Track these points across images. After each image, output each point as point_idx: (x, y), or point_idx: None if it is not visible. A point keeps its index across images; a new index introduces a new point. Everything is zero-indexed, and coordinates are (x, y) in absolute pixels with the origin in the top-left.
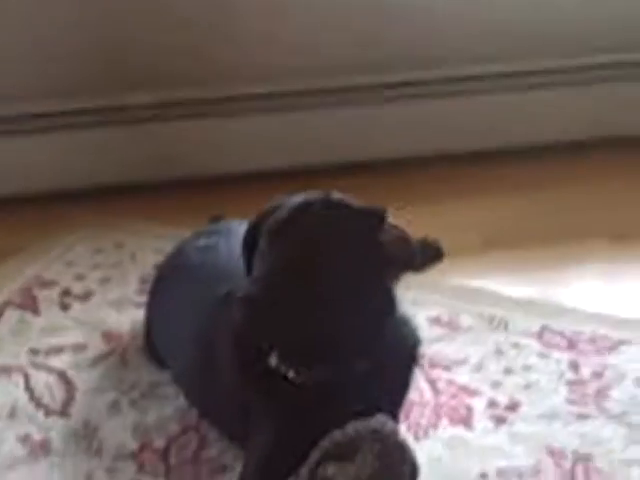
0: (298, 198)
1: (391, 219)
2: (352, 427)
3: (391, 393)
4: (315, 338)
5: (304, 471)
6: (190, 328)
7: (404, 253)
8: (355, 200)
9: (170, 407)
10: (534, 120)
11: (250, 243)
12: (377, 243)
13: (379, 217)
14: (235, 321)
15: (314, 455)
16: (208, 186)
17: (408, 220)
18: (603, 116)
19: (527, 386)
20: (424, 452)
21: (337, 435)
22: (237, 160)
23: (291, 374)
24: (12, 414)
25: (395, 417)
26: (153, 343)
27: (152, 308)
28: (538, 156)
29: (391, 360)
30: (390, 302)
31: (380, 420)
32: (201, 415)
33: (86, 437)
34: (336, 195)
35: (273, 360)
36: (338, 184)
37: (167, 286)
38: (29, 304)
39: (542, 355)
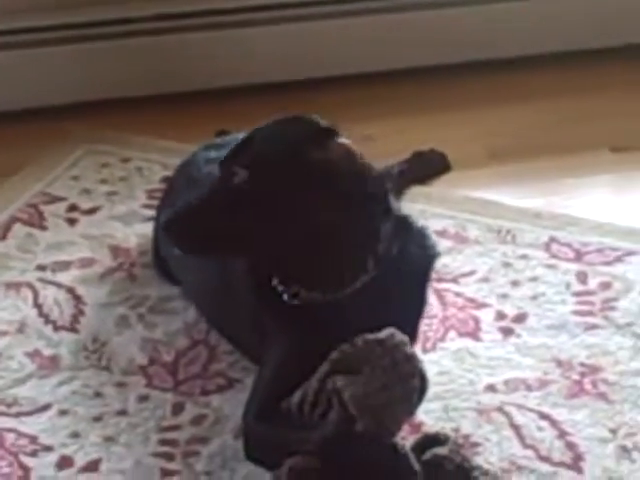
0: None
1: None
2: (361, 339)
3: (405, 309)
4: (303, 267)
5: (313, 382)
6: None
7: (352, 172)
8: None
9: (178, 321)
10: (539, 29)
11: None
12: (320, 162)
13: (321, 134)
14: None
15: (323, 367)
16: (213, 99)
17: (410, 131)
18: (607, 25)
19: (534, 297)
20: (432, 364)
21: (346, 347)
22: (242, 73)
23: (286, 296)
24: (21, 330)
25: (414, 331)
26: (162, 257)
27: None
28: (543, 66)
29: (402, 275)
30: (387, 218)
31: (389, 332)
32: (215, 328)
33: (95, 352)
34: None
35: (274, 281)
36: (343, 96)
37: (177, 198)
38: (36, 220)
39: (549, 266)
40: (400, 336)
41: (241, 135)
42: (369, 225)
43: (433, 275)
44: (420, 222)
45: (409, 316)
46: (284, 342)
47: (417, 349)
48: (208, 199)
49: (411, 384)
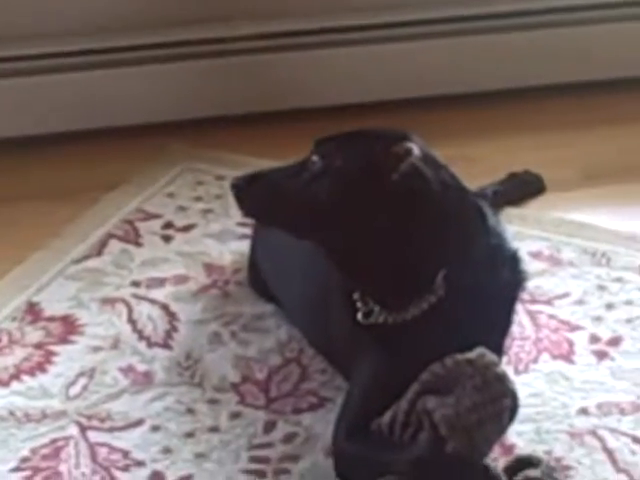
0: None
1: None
2: (451, 360)
3: (492, 329)
4: (399, 284)
5: (403, 403)
6: (302, 259)
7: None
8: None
9: (271, 339)
10: (632, 51)
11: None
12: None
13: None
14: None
15: (413, 388)
16: (309, 118)
17: (506, 152)
18: None
19: (629, 320)
20: (525, 386)
21: (436, 368)
22: (338, 92)
23: (360, 315)
24: (115, 345)
25: (498, 352)
26: (258, 274)
27: (260, 238)
28: (635, 90)
29: (493, 298)
30: (474, 236)
31: (479, 352)
32: (312, 344)
33: (188, 368)
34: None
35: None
36: (441, 116)
37: None
38: (131, 236)
39: None
40: (490, 356)
41: None
42: (435, 244)
43: (527, 297)
44: (513, 245)
45: (494, 338)
46: (374, 361)
47: (509, 371)
48: (282, 170)
49: (502, 404)
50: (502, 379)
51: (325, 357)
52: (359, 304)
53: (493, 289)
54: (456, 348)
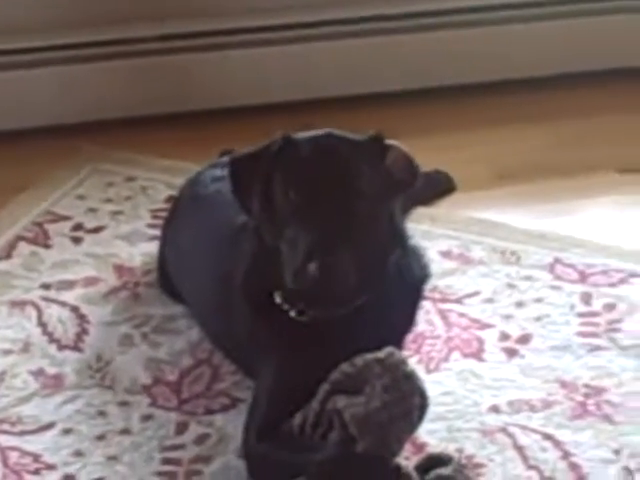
0: (308, 144)
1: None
2: (360, 359)
3: (396, 327)
4: (318, 283)
5: (314, 404)
6: (207, 259)
7: (409, 173)
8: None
9: (182, 341)
10: (546, 51)
11: (242, 182)
12: (386, 170)
13: (380, 143)
14: (243, 266)
15: (323, 388)
16: (217, 119)
17: (416, 152)
18: (614, 46)
19: (539, 318)
20: (436, 385)
21: (345, 367)
22: (243, 93)
23: (293, 313)
24: (25, 349)
25: (398, 348)
26: (167, 276)
27: (167, 239)
28: (549, 88)
29: (397, 294)
30: (396, 237)
31: (388, 351)
32: (217, 347)
33: (99, 371)
34: (337, 132)
35: (278, 298)
36: (341, 117)
37: (183, 217)
38: (41, 238)
39: (554, 287)
40: (399, 355)
41: None
42: (393, 239)
43: (438, 296)
44: (415, 241)
45: (398, 333)
46: (273, 363)
47: (420, 370)
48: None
49: (411, 402)
50: (411, 377)
51: (230, 358)
52: (285, 305)
53: (399, 288)
54: (363, 347)
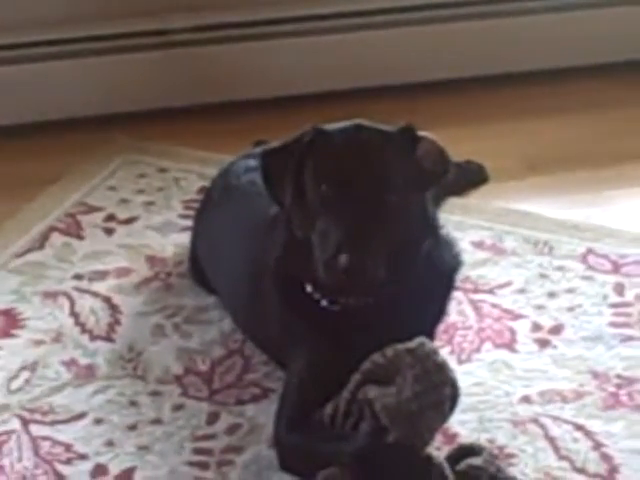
0: (338, 137)
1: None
2: (391, 349)
3: (427, 317)
4: (349, 274)
5: (345, 394)
6: (239, 250)
7: (440, 162)
8: (383, 125)
9: (214, 331)
10: (579, 41)
11: (274, 174)
12: (417, 162)
13: (412, 134)
14: (275, 257)
15: (354, 378)
16: (250, 110)
17: (449, 143)
18: None
19: (571, 309)
20: (467, 375)
21: (377, 358)
22: (276, 84)
23: (324, 302)
24: (57, 339)
25: (430, 338)
26: (199, 267)
27: (200, 230)
28: (582, 78)
29: (429, 284)
30: (427, 227)
31: (419, 342)
32: (248, 338)
33: (131, 361)
34: (366, 124)
35: (309, 288)
36: (373, 108)
37: (215, 207)
38: (73, 229)
39: (586, 278)
40: (430, 345)
41: None
42: (427, 226)
43: (470, 286)
44: (447, 231)
45: (429, 323)
46: (310, 349)
47: (452, 360)
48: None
49: (443, 392)
50: (442, 368)
51: (261, 348)
52: (316, 294)
53: (431, 278)
54: (395, 337)
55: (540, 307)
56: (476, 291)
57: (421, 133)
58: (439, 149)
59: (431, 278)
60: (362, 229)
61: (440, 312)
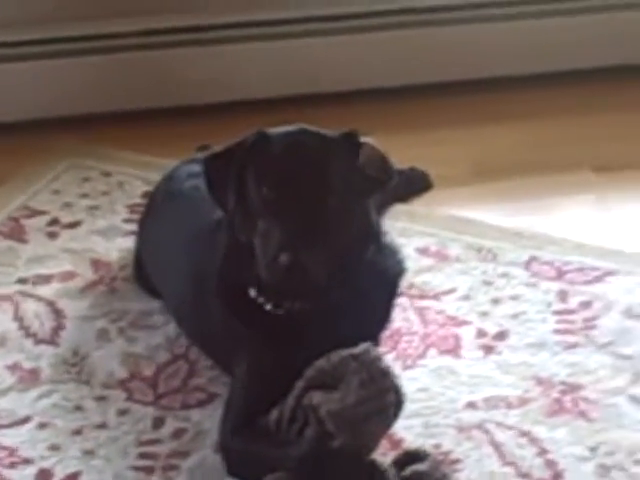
0: (282, 139)
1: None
2: (336, 355)
3: (371, 323)
4: (291, 274)
5: (289, 400)
6: (182, 255)
7: (383, 171)
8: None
9: (159, 336)
10: (525, 49)
11: (217, 178)
12: (359, 168)
13: (353, 140)
14: (218, 262)
15: (299, 384)
16: (197, 115)
17: (396, 149)
18: (593, 46)
19: (515, 316)
20: (412, 381)
21: (321, 363)
22: (222, 89)
23: (268, 306)
24: (1, 343)
25: (376, 344)
26: (143, 271)
27: (143, 235)
28: (528, 86)
29: (372, 290)
30: (370, 233)
31: (364, 347)
32: (193, 343)
33: (75, 365)
34: (309, 127)
35: (252, 292)
36: (322, 113)
37: (159, 212)
38: (16, 233)
39: (530, 285)
40: (375, 351)
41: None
42: (370, 231)
43: (415, 292)
44: (391, 237)
45: (373, 329)
46: (254, 354)
47: (396, 366)
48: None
49: (387, 398)
50: (387, 374)
51: (206, 353)
52: (260, 298)
53: (375, 283)
54: (338, 342)
55: (485, 314)
56: (421, 297)
57: (364, 139)
58: (381, 156)
59: (375, 284)
60: (303, 230)
61: (384, 318)
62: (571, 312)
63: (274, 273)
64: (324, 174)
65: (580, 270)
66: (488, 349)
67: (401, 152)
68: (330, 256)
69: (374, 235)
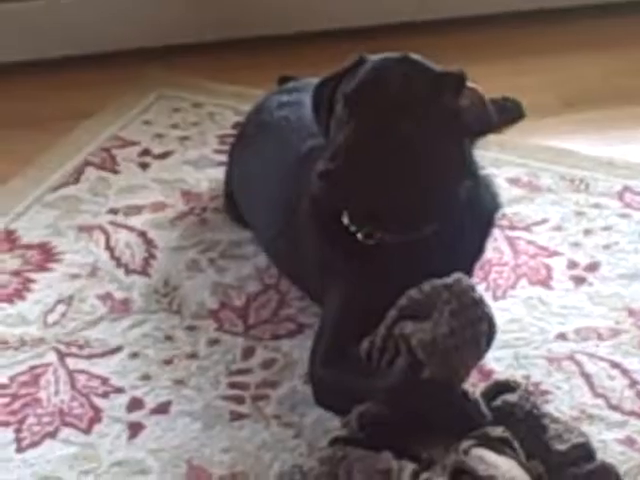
0: (376, 61)
1: (470, 81)
2: (428, 285)
3: (465, 256)
4: (387, 204)
5: (381, 329)
6: (273, 185)
7: (481, 119)
8: (432, 62)
9: (249, 266)
10: None
11: (322, 102)
12: (455, 109)
13: (458, 81)
14: (312, 190)
15: (391, 313)
16: (285, 45)
17: (482, 79)
18: None
19: (607, 246)
20: (503, 312)
21: (413, 293)
22: (309, 19)
23: (360, 235)
24: (93, 273)
25: (468, 276)
26: (233, 202)
27: (234, 166)
28: (617, 14)
29: (467, 224)
30: (465, 168)
31: (456, 277)
32: (282, 273)
33: (166, 295)
34: (414, 57)
35: (345, 219)
36: (412, 44)
37: (249, 143)
38: (108, 164)
39: (623, 215)
40: (467, 281)
41: (315, 80)
42: (463, 175)
43: (506, 223)
44: (486, 172)
45: (467, 260)
46: (347, 284)
47: (487, 297)
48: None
49: (479, 328)
50: (479, 304)
51: (296, 284)
52: (352, 226)
53: (470, 217)
54: (431, 274)
55: (576, 244)
56: (512, 228)
57: (470, 84)
58: (483, 106)
59: (470, 219)
60: (362, 148)
61: (478, 252)
62: None
63: (314, 180)
64: (404, 100)
65: None
66: (579, 280)
67: (491, 81)
68: (396, 184)
69: (469, 172)
